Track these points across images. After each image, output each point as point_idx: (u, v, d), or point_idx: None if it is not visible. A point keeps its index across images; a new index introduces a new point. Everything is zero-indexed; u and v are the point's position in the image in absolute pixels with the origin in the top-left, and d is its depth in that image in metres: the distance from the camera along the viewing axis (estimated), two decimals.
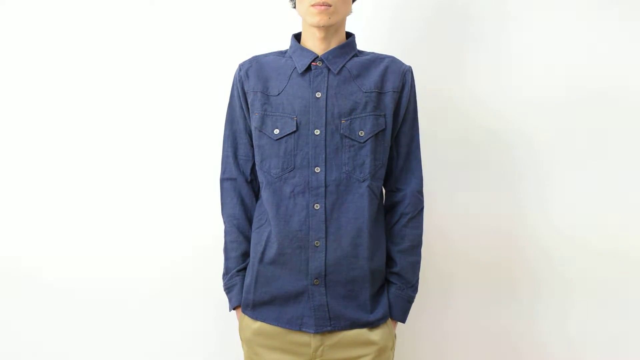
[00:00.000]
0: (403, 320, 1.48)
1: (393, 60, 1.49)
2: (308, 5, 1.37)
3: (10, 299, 1.98)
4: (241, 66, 1.49)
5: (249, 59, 1.50)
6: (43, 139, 1.95)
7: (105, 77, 1.93)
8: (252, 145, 1.48)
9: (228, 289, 1.49)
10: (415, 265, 1.49)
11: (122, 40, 1.92)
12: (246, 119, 1.48)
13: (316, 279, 1.39)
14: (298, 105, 1.41)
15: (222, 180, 1.52)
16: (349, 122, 1.41)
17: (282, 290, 1.41)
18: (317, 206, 1.39)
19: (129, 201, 1.95)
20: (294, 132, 1.40)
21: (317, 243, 1.39)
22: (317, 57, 1.43)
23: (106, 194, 1.95)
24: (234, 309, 1.49)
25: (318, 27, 1.40)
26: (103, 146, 1.95)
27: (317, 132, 1.40)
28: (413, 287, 1.48)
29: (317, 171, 1.39)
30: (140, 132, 1.94)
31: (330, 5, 1.36)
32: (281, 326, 1.40)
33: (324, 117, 1.40)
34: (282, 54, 1.50)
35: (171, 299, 1.95)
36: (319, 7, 1.36)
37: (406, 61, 1.51)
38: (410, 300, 1.48)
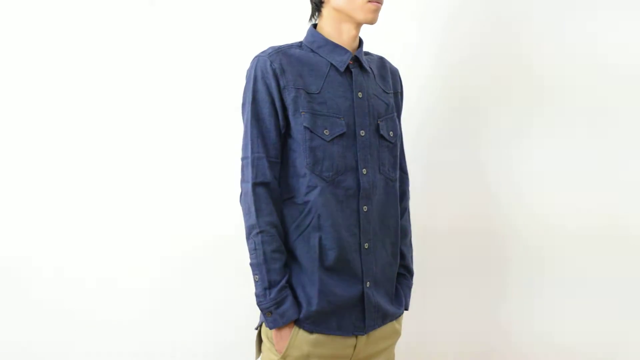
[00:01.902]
0: (408, 308, 1.54)
1: (386, 60, 1.53)
2: (365, 1, 1.34)
3: (13, 299, 1.98)
4: (269, 58, 1.34)
5: (273, 51, 1.36)
6: (45, 141, 1.96)
7: (105, 78, 1.94)
8: (281, 146, 1.37)
9: (277, 304, 1.30)
10: (412, 255, 1.59)
11: (122, 40, 1.93)
12: (277, 117, 1.34)
13: (368, 281, 1.39)
14: (343, 105, 1.37)
15: (255, 185, 1.32)
16: (383, 123, 1.43)
17: (342, 297, 1.35)
18: (365, 208, 1.38)
19: (130, 203, 1.95)
20: (344, 133, 1.37)
21: (366, 245, 1.39)
22: (352, 55, 1.40)
23: (107, 195, 1.95)
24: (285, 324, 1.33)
25: (366, 24, 1.39)
26: (103, 148, 1.95)
27: (362, 133, 1.38)
28: (412, 276, 1.57)
29: (364, 173, 1.38)
30: (140, 133, 1.94)
31: (381, 3, 1.36)
32: (337, 334, 1.36)
33: (367, 118, 1.40)
34: (302, 46, 1.41)
35: (173, 299, 1.94)
36: (376, 4, 1.34)
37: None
38: (411, 288, 1.55)
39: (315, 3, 1.41)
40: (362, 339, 1.39)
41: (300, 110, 1.34)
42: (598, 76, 1.81)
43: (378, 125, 1.41)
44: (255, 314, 1.40)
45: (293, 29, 1.73)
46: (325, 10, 1.40)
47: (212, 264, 1.84)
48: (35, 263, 1.97)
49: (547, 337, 1.88)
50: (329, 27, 1.40)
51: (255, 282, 1.31)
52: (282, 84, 1.33)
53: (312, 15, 1.45)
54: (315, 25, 1.44)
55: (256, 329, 1.41)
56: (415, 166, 1.72)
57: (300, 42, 1.42)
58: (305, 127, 1.33)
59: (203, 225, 1.91)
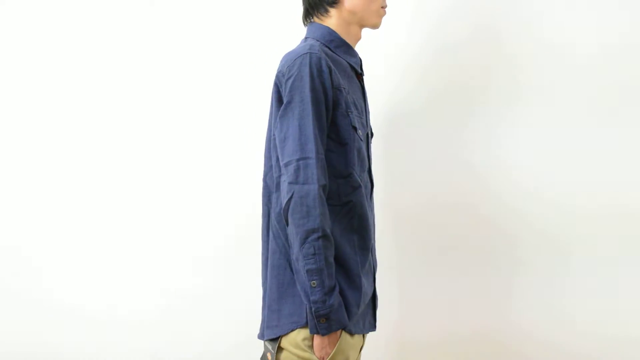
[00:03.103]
0: None
1: None
2: (379, 7, 1.38)
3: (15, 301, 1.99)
4: (321, 55, 1.28)
5: (319, 48, 1.30)
6: (45, 141, 1.96)
7: (105, 78, 1.94)
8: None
9: (335, 310, 1.23)
10: None
11: (122, 40, 1.93)
12: (327, 117, 1.30)
13: (374, 279, 1.41)
14: (360, 106, 1.38)
15: (321, 188, 1.24)
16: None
17: (368, 296, 1.35)
18: (373, 206, 1.43)
19: (137, 204, 1.95)
20: (367, 134, 1.41)
21: (374, 242, 1.41)
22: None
23: (106, 196, 1.96)
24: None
25: (372, 28, 1.43)
26: (103, 148, 1.95)
27: (367, 133, 1.43)
28: None
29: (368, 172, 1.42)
30: (140, 133, 1.94)
31: None
32: (365, 332, 1.37)
33: (369, 120, 1.45)
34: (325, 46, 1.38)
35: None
36: (384, 11, 1.41)
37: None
38: None
39: (326, 2, 1.37)
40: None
41: (349, 110, 1.32)
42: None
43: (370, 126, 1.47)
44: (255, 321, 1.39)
45: (293, 29, 1.73)
46: (335, 11, 1.37)
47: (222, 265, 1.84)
48: (41, 262, 1.98)
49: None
50: (337, 27, 1.38)
51: (313, 288, 1.21)
52: (335, 82, 1.29)
53: (313, 14, 1.40)
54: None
55: (273, 339, 1.30)
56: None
57: (311, 39, 1.37)
58: (353, 126, 1.31)
59: (205, 225, 1.91)
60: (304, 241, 1.21)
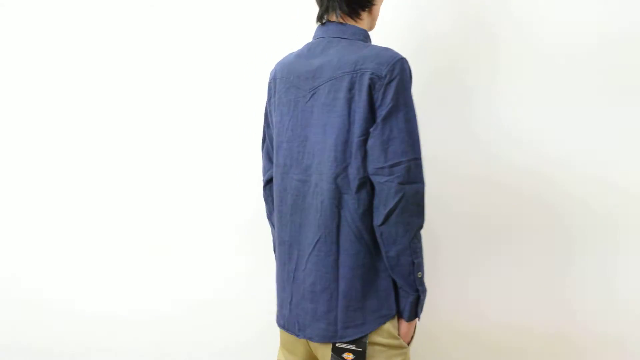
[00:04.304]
0: None
1: None
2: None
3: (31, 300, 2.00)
4: None
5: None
6: (46, 141, 1.97)
7: (106, 78, 1.94)
8: None
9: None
10: None
11: (123, 40, 1.93)
12: None
13: None
14: None
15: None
16: None
17: None
18: None
19: (136, 203, 1.96)
20: None
21: None
22: None
23: (107, 196, 1.96)
24: None
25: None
26: (103, 148, 1.96)
27: None
28: None
29: None
30: (140, 133, 1.94)
31: None
32: None
33: None
34: None
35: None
36: None
37: None
38: None
39: (361, 3, 1.35)
40: None
41: None
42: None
43: None
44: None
45: (293, 29, 1.73)
46: (365, 15, 1.36)
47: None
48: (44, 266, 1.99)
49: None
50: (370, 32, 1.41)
51: (420, 279, 1.30)
52: None
53: (351, 15, 1.35)
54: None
55: (357, 339, 1.29)
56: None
57: (359, 41, 1.34)
58: None
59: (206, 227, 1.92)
60: (414, 236, 1.28)
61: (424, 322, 1.65)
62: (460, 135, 1.79)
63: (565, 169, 1.74)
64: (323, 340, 1.29)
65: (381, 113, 1.25)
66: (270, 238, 1.63)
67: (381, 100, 1.24)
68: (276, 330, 1.43)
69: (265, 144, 1.46)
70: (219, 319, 1.93)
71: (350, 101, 1.26)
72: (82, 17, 1.93)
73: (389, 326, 1.30)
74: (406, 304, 1.30)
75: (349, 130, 1.27)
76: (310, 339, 1.30)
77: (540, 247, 1.77)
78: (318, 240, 1.29)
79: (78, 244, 1.98)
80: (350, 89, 1.25)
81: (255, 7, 1.88)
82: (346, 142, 1.27)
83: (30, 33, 1.93)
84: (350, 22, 1.35)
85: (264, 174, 1.47)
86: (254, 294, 1.87)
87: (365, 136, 1.25)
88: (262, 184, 1.48)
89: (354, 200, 1.27)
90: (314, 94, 1.30)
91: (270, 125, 1.41)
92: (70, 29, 1.93)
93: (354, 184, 1.27)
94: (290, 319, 1.33)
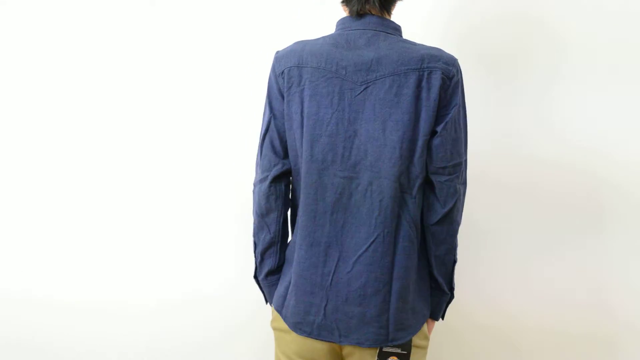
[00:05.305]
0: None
1: None
2: None
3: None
4: None
5: None
6: (46, 141, 1.96)
7: (106, 78, 1.94)
8: None
9: None
10: None
11: (123, 40, 1.93)
12: None
13: None
14: None
15: None
16: None
17: None
18: None
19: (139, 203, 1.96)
20: None
21: None
22: None
23: (107, 196, 1.97)
24: None
25: None
26: (103, 148, 1.96)
27: None
28: None
29: None
30: (140, 133, 1.95)
31: None
32: None
33: None
34: None
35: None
36: None
37: None
38: None
39: None
40: None
41: None
42: None
43: None
44: None
45: (293, 29, 1.74)
46: (393, 10, 1.32)
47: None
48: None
49: None
50: None
51: (453, 276, 1.34)
52: None
53: (387, 8, 1.29)
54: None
55: (406, 343, 1.25)
56: None
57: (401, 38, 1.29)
58: None
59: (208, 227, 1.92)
60: (456, 233, 1.30)
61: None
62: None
63: (605, 161, 1.79)
64: (374, 344, 1.22)
65: (449, 113, 1.22)
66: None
67: (449, 100, 1.22)
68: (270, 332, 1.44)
69: (268, 136, 1.31)
70: (213, 315, 1.96)
71: (417, 99, 1.20)
72: (82, 17, 1.93)
73: (424, 327, 1.29)
74: (442, 304, 1.32)
75: (414, 129, 1.21)
76: (360, 344, 1.22)
77: (569, 241, 1.83)
78: (374, 241, 1.21)
79: (73, 240, 1.98)
80: (418, 86, 1.20)
81: (255, 7, 1.89)
82: (412, 140, 1.21)
83: (30, 33, 1.93)
84: (387, 16, 1.29)
85: (268, 168, 1.30)
86: (252, 292, 1.88)
87: (430, 135, 1.21)
88: (256, 179, 1.33)
89: (413, 200, 1.23)
90: (367, 87, 1.21)
91: (277, 116, 1.29)
92: (70, 29, 1.93)
93: (414, 183, 1.23)
94: (326, 325, 1.23)
